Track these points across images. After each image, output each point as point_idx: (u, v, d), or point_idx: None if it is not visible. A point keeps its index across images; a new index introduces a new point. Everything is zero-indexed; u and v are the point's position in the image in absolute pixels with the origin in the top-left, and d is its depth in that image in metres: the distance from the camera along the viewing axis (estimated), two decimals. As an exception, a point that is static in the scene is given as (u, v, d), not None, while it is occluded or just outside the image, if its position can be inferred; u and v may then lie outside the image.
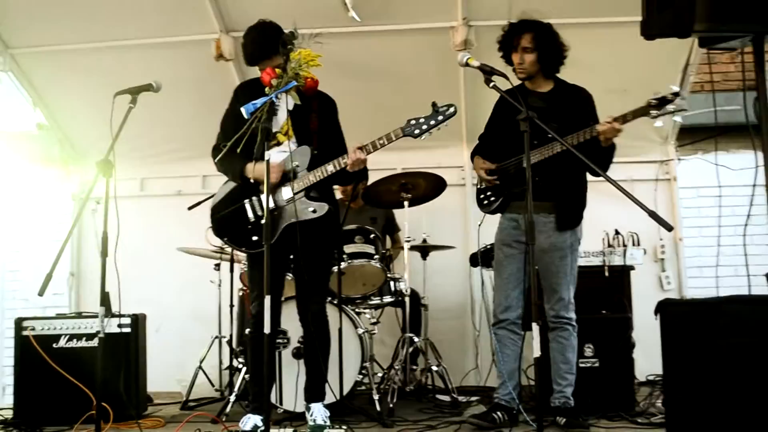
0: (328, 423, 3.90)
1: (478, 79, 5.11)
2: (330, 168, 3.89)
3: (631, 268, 5.02)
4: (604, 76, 5.04)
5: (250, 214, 4.01)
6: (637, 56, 5.20)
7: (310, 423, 3.91)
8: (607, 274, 4.93)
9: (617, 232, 5.20)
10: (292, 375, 4.38)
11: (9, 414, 4.63)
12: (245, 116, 3.41)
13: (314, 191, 3.96)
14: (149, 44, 5.67)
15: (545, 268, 4.01)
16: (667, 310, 3.36)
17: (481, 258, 5.17)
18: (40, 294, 3.37)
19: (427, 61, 5.75)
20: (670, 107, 3.76)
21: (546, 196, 3.94)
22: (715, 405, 2.95)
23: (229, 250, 5.23)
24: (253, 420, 3.81)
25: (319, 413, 4.02)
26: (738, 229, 5.22)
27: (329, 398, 4.29)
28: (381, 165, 5.30)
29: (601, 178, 3.95)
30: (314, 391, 4.14)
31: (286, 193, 3.91)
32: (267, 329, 3.16)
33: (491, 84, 3.45)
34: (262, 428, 3.63)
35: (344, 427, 3.48)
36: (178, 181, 6.61)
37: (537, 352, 3.06)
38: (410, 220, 5.03)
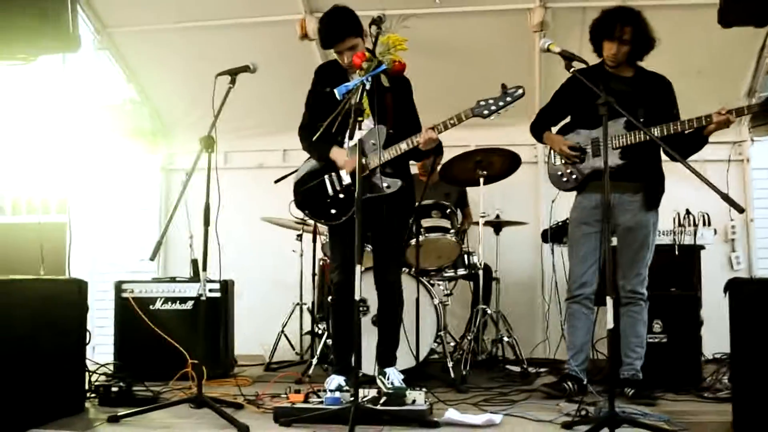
0: (405, 386, 4.12)
1: (553, 59, 5.23)
2: (403, 146, 4.11)
3: (702, 247, 5.10)
4: (678, 58, 5.08)
5: (330, 189, 4.27)
6: (710, 38, 5.23)
7: (389, 385, 4.13)
8: (677, 252, 5.03)
9: (688, 212, 5.28)
10: (371, 341, 4.59)
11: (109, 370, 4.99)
12: (338, 97, 3.63)
13: (389, 167, 4.18)
14: (237, 24, 5.95)
15: (628, 245, 4.12)
16: (736, 288, 3.47)
17: (553, 234, 5.34)
18: (152, 259, 3.66)
19: (504, 42, 5.88)
20: None
21: (633, 177, 4.09)
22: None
23: (311, 221, 5.49)
24: (336, 380, 4.09)
25: (395, 377, 4.25)
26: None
27: (406, 363, 4.53)
28: (455, 142, 5.46)
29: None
30: (388, 356, 4.37)
31: None
32: (357, 296, 3.40)
33: (572, 69, 3.59)
34: (346, 388, 3.90)
35: (424, 390, 3.69)
36: (260, 155, 6.91)
37: (611, 324, 3.22)
38: (484, 196, 5.19)
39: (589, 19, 4.47)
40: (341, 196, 4.22)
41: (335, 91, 3.62)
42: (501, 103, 3.99)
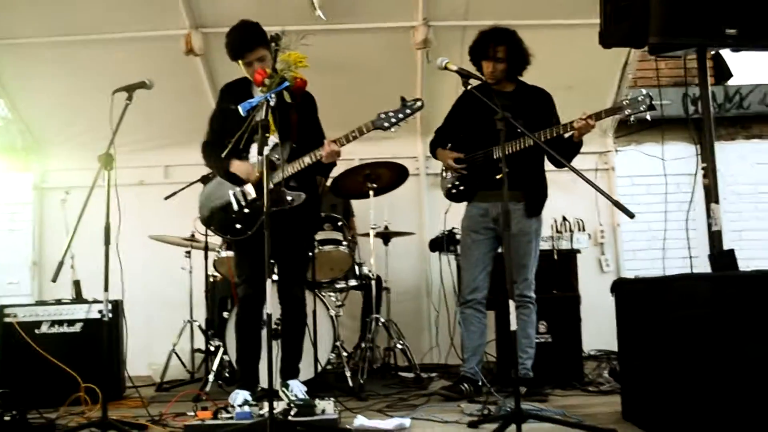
0: (308, 397, 4.18)
1: (434, 75, 5.44)
2: (306, 160, 4.17)
3: (578, 251, 5.46)
4: (551, 74, 5.36)
5: (235, 205, 4.27)
6: (581, 55, 5.60)
7: (293, 398, 4.16)
8: (556, 257, 5.35)
9: (564, 219, 5.62)
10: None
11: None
12: (242, 114, 3.66)
13: (293, 181, 4.22)
14: (118, 38, 5.78)
15: (514, 251, 4.30)
16: (622, 287, 3.76)
17: (440, 243, 5.54)
18: (53, 280, 3.56)
19: (389, 59, 6.03)
20: (642, 107, 4.12)
21: (515, 186, 4.28)
22: (666, 373, 3.29)
23: (200, 237, 5.43)
24: (242, 395, 4.08)
25: (298, 389, 4.28)
26: (669, 215, 5.71)
27: (304, 375, 4.57)
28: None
29: (553, 168, 4.41)
30: (291, 369, 4.40)
31: None
32: (269, 309, 3.41)
33: (469, 87, 3.77)
34: (252, 402, 3.92)
35: (332, 399, 3.77)
36: (141, 171, 6.72)
37: (513, 326, 3.42)
38: (372, 208, 5.32)
39: (468, 37, 4.74)
40: (246, 210, 4.23)
41: (239, 107, 3.65)
42: (401, 115, 4.11)
